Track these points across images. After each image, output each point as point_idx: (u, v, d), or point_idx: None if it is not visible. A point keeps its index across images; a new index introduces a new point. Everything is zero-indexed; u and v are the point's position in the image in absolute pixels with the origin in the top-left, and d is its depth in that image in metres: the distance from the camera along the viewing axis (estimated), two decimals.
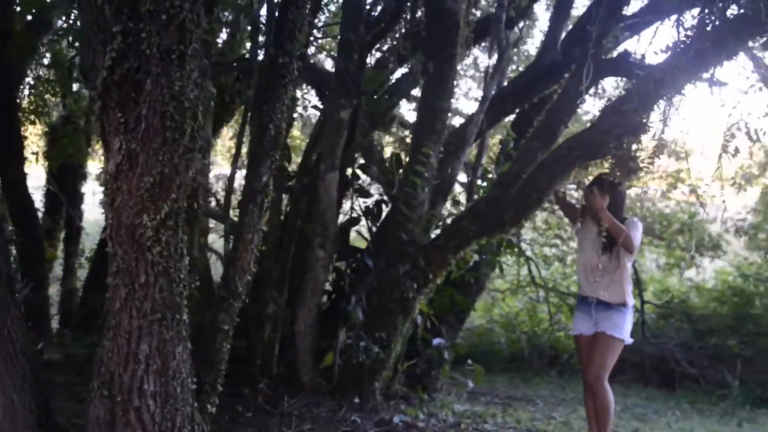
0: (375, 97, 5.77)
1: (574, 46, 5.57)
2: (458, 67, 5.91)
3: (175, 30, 2.77)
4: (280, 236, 5.62)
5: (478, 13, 6.90)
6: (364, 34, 5.48)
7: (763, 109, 7.77)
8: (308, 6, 4.28)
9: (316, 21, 6.50)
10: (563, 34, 6.25)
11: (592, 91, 6.00)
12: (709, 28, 3.94)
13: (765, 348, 10.07)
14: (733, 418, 8.25)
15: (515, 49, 7.24)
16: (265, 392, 5.41)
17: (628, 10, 5.65)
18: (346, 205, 6.25)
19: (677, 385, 9.98)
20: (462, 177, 6.71)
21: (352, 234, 6.43)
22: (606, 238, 4.59)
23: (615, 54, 5.86)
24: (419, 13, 6.21)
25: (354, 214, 6.06)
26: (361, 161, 6.34)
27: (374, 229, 6.13)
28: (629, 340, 4.81)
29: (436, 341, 6.31)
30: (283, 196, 5.79)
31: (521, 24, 6.85)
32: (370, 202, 6.14)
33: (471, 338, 11.09)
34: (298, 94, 6.98)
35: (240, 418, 5.22)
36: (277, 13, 4.23)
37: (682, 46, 3.98)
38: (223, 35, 6.84)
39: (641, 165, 4.06)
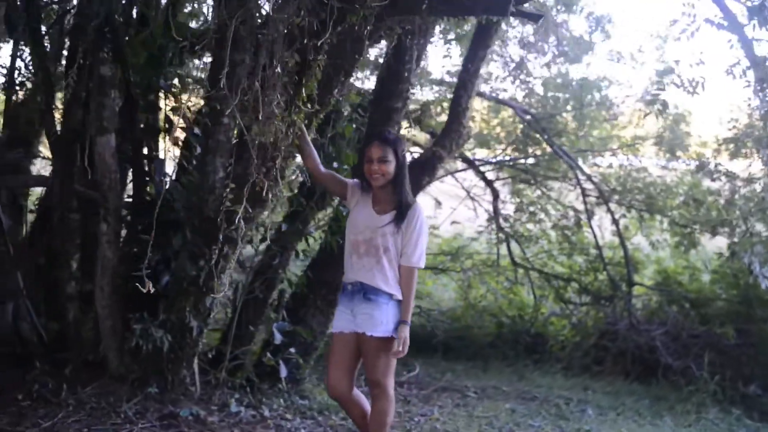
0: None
1: None
2: None
3: None
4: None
5: None
6: None
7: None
8: None
9: None
10: None
11: None
12: None
13: (765, 337, 8.65)
14: (690, 417, 7.08)
15: None
16: (40, 379, 4.95)
17: None
18: None
19: (660, 378, 8.72)
20: None
21: None
22: (395, 214, 3.93)
23: None
24: None
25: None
26: None
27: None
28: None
29: (276, 325, 5.67)
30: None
31: None
32: None
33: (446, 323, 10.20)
34: None
35: (11, 407, 4.80)
36: None
37: None
38: None
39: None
